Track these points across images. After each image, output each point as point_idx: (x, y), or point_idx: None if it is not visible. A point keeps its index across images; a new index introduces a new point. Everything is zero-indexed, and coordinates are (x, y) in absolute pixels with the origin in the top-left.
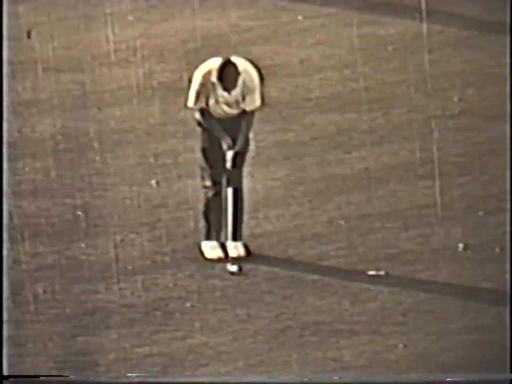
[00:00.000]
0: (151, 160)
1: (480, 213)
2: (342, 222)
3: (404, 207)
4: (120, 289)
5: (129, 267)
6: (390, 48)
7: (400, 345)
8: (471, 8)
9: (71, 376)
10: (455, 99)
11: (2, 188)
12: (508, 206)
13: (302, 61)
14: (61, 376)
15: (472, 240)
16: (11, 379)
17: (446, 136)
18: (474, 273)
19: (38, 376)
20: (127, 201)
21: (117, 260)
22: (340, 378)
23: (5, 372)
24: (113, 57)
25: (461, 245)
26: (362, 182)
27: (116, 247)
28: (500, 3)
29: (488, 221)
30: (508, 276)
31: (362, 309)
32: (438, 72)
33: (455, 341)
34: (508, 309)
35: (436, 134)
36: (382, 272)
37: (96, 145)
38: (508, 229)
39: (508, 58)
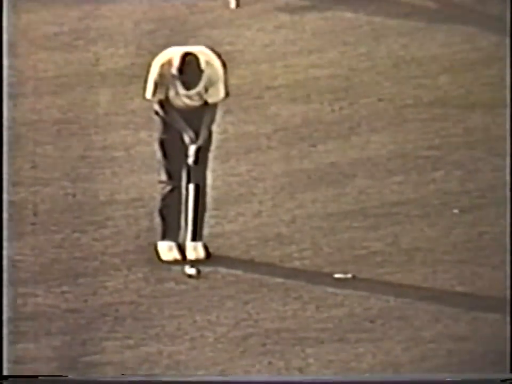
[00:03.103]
0: (98, 152)
1: (455, 211)
2: (306, 221)
3: (373, 204)
4: (62, 292)
5: (73, 269)
6: (358, 32)
7: (369, 354)
8: None
9: (70, 376)
10: (428, 87)
11: (2, 187)
12: (509, 201)
13: (264, 46)
14: (61, 376)
15: (447, 240)
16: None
17: (419, 127)
18: (448, 277)
19: (37, 376)
20: (70, 198)
21: (58, 260)
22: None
23: None
24: (53, 41)
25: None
26: (329, 178)
27: (56, 247)
28: None
29: (463, 219)
30: (506, 281)
31: (328, 315)
32: (409, 57)
33: (427, 349)
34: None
35: (407, 125)
36: (349, 275)
37: (34, 136)
38: (508, 227)
39: (507, 54)
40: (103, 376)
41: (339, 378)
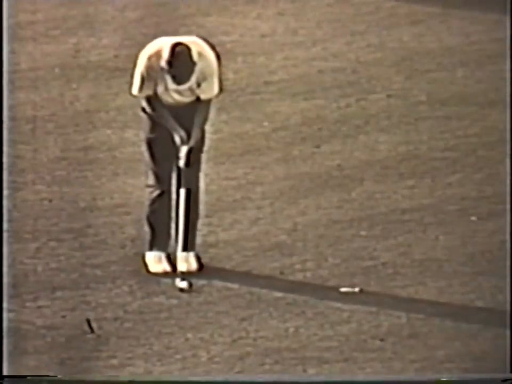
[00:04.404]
0: (78, 154)
1: (473, 218)
2: (309, 229)
3: (382, 211)
4: (38, 307)
5: (50, 281)
6: (366, 20)
7: (378, 375)
8: None
9: (69, 376)
10: (444, 82)
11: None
12: (508, 209)
13: (262, 36)
14: (60, 376)
15: (464, 250)
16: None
17: (433, 126)
18: (465, 290)
19: (36, 376)
20: (46, 203)
21: (33, 272)
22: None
23: None
24: (28, 31)
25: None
26: (333, 182)
27: (31, 257)
28: None
29: (482, 227)
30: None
31: (333, 333)
32: (422, 49)
33: (443, 370)
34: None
35: (420, 124)
36: (356, 289)
37: (6, 135)
38: (508, 236)
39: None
40: (100, 376)
41: (339, 378)
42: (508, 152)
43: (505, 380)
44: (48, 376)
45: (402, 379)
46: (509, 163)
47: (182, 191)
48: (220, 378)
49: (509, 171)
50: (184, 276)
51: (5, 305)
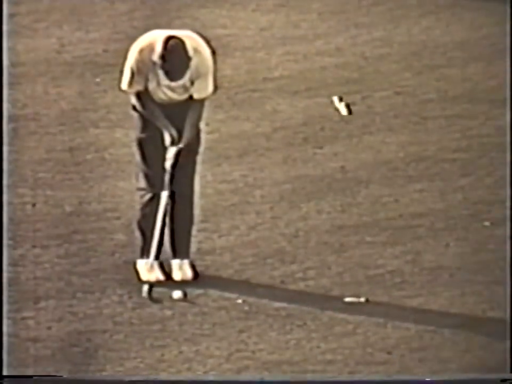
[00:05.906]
0: (64, 155)
1: (486, 223)
2: (311, 235)
3: (390, 216)
4: (22, 318)
5: (34, 291)
6: (372, 12)
7: None
8: None
9: (69, 376)
10: (455, 78)
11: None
12: (508, 215)
13: (261, 30)
14: (61, 376)
15: (476, 258)
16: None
17: (443, 126)
18: (478, 300)
19: (37, 376)
20: (28, 207)
21: (16, 281)
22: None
23: None
24: (10, 24)
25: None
26: (337, 185)
27: (14, 265)
28: None
29: (496, 233)
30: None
31: (337, 345)
32: (432, 43)
33: None
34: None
35: (430, 123)
36: (362, 299)
37: None
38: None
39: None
40: (102, 376)
41: (339, 378)
42: (508, 153)
43: (504, 380)
44: (49, 376)
45: (400, 379)
46: (509, 166)
47: (164, 194)
48: (219, 378)
49: (509, 174)
50: (179, 284)
51: None
